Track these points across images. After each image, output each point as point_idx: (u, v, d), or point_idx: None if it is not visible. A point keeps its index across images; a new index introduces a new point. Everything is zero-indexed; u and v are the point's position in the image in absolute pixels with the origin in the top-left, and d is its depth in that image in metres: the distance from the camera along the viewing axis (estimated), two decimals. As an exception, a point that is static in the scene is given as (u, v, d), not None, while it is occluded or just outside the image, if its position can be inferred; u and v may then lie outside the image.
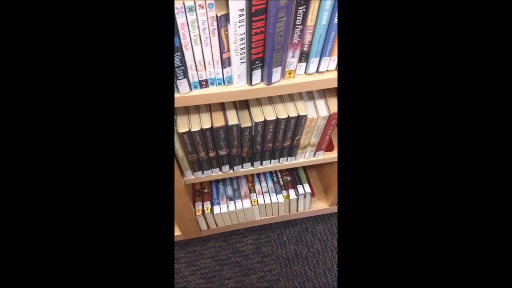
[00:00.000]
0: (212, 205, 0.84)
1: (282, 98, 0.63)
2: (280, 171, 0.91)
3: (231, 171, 0.71)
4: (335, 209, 0.97)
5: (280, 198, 0.86)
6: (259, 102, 0.62)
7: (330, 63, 0.53)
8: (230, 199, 0.85)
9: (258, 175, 0.90)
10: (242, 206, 0.84)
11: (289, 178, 0.90)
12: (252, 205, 0.84)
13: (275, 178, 0.90)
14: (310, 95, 0.65)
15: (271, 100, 0.63)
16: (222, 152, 0.65)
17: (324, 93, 0.66)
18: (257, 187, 0.88)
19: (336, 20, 0.46)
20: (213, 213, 0.83)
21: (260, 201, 0.85)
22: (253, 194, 0.86)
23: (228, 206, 0.84)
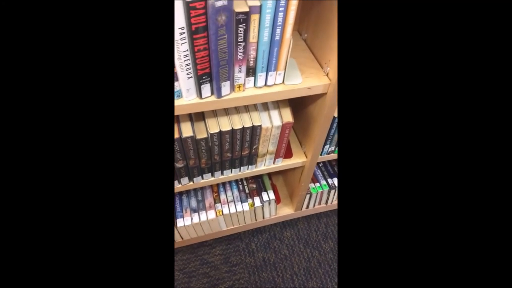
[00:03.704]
0: (175, 218, 0.83)
1: (237, 109, 0.65)
2: (246, 179, 0.93)
3: (191, 183, 0.72)
4: (300, 214, 1.00)
5: (246, 206, 0.87)
6: (214, 113, 0.64)
7: (277, 77, 0.55)
8: (194, 211, 0.85)
9: (224, 184, 0.91)
10: (207, 218, 0.84)
11: (254, 186, 0.91)
12: (217, 215, 0.85)
13: (240, 186, 0.91)
14: (264, 106, 0.68)
15: (227, 112, 0.64)
16: (179, 165, 0.65)
17: (278, 103, 0.68)
18: (222, 196, 0.88)
19: (277, 37, 0.49)
20: (176, 227, 0.82)
21: (225, 211, 0.85)
22: (218, 205, 0.86)
23: (192, 219, 0.84)
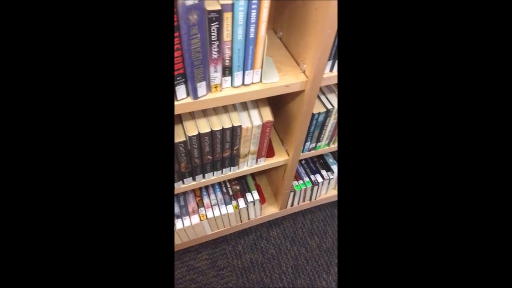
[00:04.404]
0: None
1: (216, 110, 0.64)
2: (229, 181, 0.91)
3: (172, 188, 0.69)
4: (285, 212, 1.00)
5: (230, 208, 0.86)
6: (192, 115, 0.62)
7: (254, 76, 0.55)
8: (177, 217, 0.83)
9: (207, 187, 0.89)
10: (191, 223, 0.82)
11: (238, 187, 0.90)
12: (201, 220, 0.83)
13: (224, 189, 0.90)
14: (244, 106, 0.67)
15: (205, 113, 0.63)
16: (158, 170, 0.63)
17: (257, 102, 0.68)
18: (206, 200, 0.86)
19: (252, 35, 0.48)
20: (160, 233, 0.80)
21: (210, 215, 0.84)
22: (201, 209, 0.84)
23: (175, 225, 0.81)
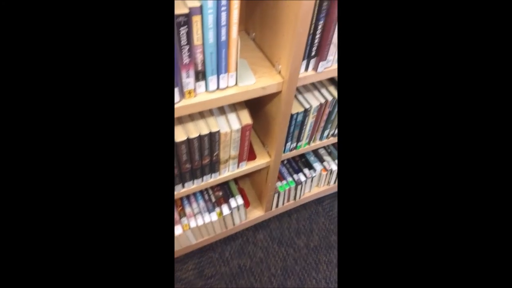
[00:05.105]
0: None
1: (192, 117, 0.61)
2: (211, 187, 0.89)
3: (151, 200, 0.66)
4: (271, 214, 0.99)
5: (214, 216, 0.83)
6: (167, 124, 0.59)
7: (229, 79, 0.53)
8: (159, 228, 0.79)
9: (188, 196, 0.86)
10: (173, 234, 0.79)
11: (220, 193, 0.88)
12: (183, 230, 0.80)
13: (206, 196, 0.87)
14: (221, 110, 0.65)
15: (180, 120, 0.60)
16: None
17: (234, 106, 0.66)
18: (188, 209, 0.83)
19: (223, 37, 0.46)
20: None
21: (193, 224, 0.81)
22: (183, 219, 0.81)
23: (157, 237, 0.78)
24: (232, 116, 0.64)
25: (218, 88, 0.53)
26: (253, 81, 0.56)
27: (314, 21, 0.51)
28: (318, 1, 0.49)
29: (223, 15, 0.44)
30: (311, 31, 0.52)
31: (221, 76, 0.51)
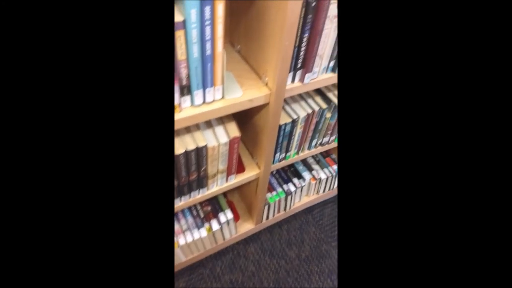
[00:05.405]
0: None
1: (177, 132, 0.59)
2: (200, 202, 0.86)
3: (136, 220, 0.63)
4: (261, 226, 0.97)
5: (203, 232, 0.80)
6: (152, 140, 0.57)
7: (216, 93, 0.52)
8: (146, 248, 0.75)
9: (175, 213, 0.83)
10: (161, 253, 0.75)
11: (209, 208, 0.85)
12: (172, 248, 0.76)
13: (194, 212, 0.84)
14: (208, 123, 0.63)
15: (165, 136, 0.58)
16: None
17: (221, 119, 0.65)
18: (176, 226, 0.80)
19: (208, 52, 0.45)
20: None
21: (182, 241, 0.78)
22: (171, 236, 0.78)
23: (144, 258, 0.74)
24: (219, 129, 0.63)
25: (204, 102, 0.52)
26: (240, 94, 0.55)
27: (299, 34, 0.51)
28: (303, 14, 0.49)
29: (208, 29, 0.43)
30: (297, 44, 0.52)
31: (207, 90, 0.50)
